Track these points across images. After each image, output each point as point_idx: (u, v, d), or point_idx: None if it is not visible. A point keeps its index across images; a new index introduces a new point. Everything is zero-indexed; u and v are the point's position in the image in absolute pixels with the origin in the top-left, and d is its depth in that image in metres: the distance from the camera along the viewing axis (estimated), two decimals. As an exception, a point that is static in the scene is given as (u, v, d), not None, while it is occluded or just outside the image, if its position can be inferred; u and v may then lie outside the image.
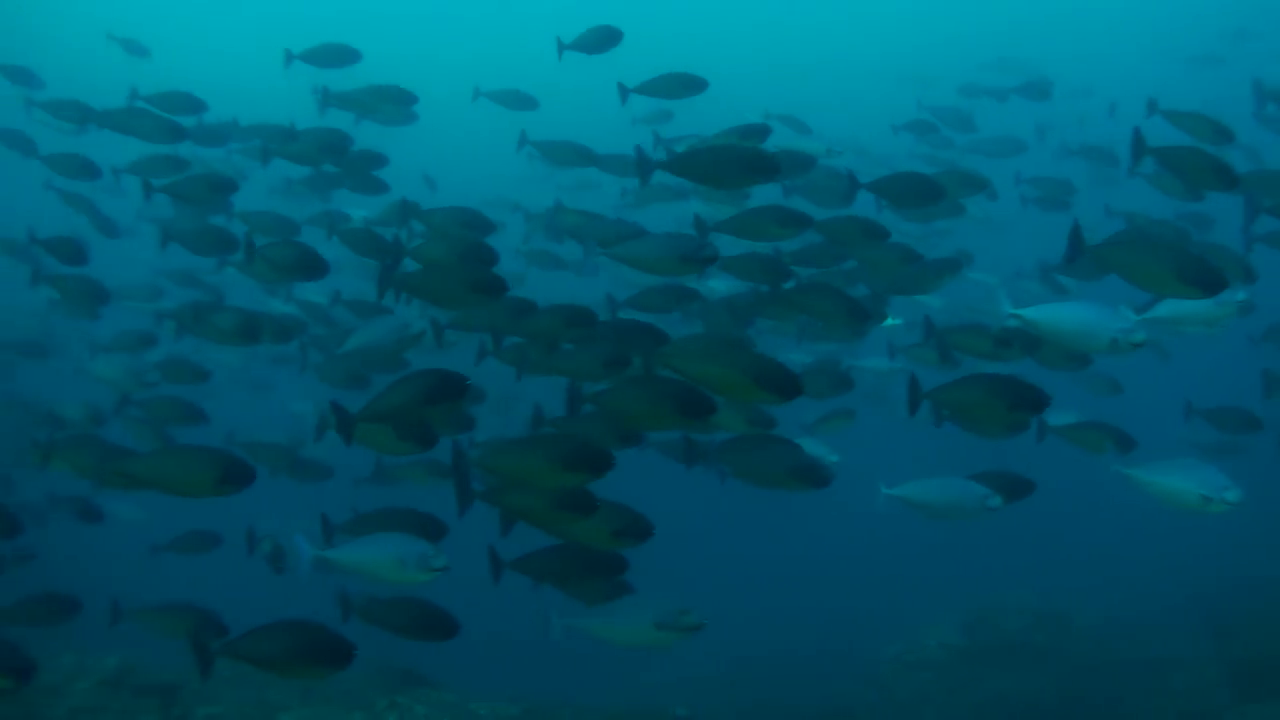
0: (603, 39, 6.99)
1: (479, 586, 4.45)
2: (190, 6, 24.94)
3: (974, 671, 9.52)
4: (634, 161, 5.16)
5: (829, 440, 6.68)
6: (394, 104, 6.42)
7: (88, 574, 6.87)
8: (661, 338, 5.02)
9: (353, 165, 6.22)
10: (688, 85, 6.35)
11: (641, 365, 4.58)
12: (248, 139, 6.89)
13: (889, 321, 6.31)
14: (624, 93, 6.68)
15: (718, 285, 6.86)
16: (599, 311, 5.33)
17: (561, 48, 7.23)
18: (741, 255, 5.50)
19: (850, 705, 9.47)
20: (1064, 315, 4.80)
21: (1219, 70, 15.12)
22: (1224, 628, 8.77)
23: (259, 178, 7.99)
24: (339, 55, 7.00)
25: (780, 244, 5.64)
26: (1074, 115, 11.69)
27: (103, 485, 4.80)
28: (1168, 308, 5.47)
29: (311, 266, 4.74)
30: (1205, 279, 4.22)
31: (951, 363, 5.91)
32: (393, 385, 4.15)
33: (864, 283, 6.17)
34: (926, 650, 9.72)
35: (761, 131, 5.55)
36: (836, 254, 5.72)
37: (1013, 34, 19.20)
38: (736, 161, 4.68)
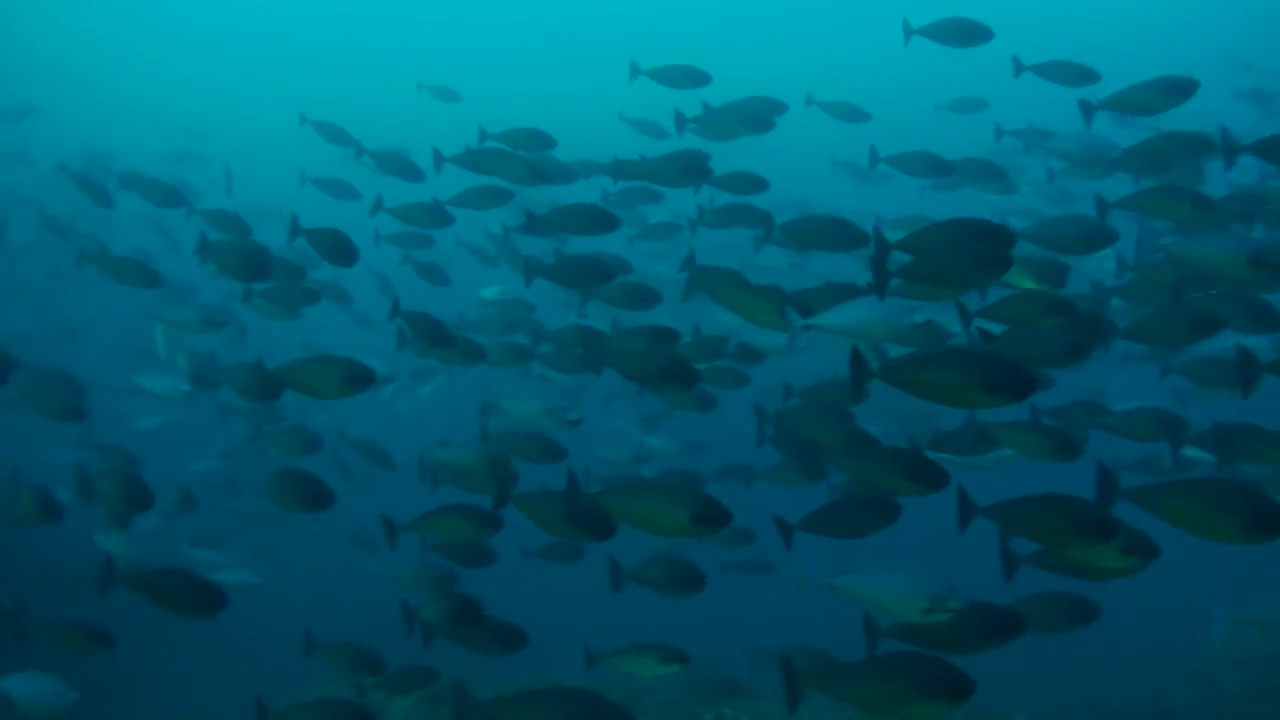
0: (964, 33, 6.42)
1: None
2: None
3: (1307, 666, 9.03)
4: (1216, 141, 5.10)
5: None
6: (751, 126, 6.31)
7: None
8: (1113, 328, 4.95)
9: (734, 187, 6.19)
10: (1082, 75, 6.19)
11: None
12: (597, 172, 6.93)
13: None
14: (1018, 67, 6.46)
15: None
16: None
17: (909, 32, 6.65)
18: None
19: (1175, 705, 9.11)
20: None
21: None
22: None
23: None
24: (688, 77, 6.85)
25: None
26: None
27: (556, 532, 4.84)
28: None
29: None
30: None
31: None
32: (935, 356, 3.93)
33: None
34: (1254, 645, 9.28)
35: (1189, 85, 5.39)
36: None
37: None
38: None
